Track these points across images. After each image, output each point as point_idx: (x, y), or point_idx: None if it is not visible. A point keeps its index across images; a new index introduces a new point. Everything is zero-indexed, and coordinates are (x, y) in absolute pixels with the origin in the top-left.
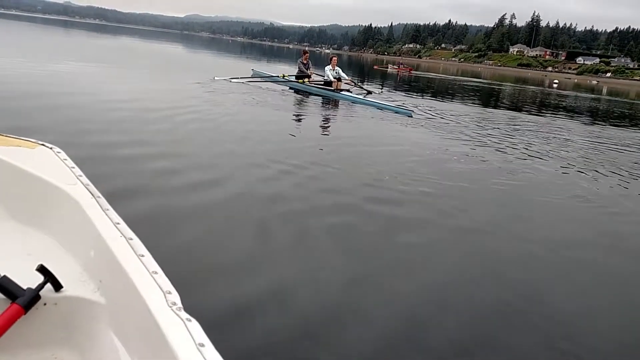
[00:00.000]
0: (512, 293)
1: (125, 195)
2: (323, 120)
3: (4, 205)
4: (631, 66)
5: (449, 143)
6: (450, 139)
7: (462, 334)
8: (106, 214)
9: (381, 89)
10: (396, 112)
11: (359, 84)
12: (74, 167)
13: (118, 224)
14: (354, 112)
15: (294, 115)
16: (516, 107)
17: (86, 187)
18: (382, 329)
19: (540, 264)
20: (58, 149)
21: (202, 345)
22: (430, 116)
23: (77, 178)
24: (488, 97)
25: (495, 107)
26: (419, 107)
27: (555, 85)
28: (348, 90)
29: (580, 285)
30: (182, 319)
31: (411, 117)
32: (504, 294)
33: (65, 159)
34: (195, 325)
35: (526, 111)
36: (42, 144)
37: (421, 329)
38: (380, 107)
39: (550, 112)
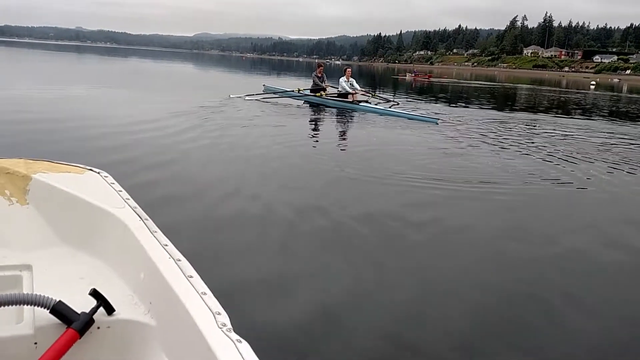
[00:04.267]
0: (531, 295)
1: (167, 216)
2: (347, 133)
3: (56, 230)
4: None
5: (487, 149)
6: (485, 145)
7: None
8: (154, 236)
9: (394, 97)
10: (422, 121)
11: (377, 94)
12: (121, 191)
13: (166, 245)
14: (377, 124)
15: (319, 129)
16: (562, 112)
17: (134, 210)
18: None
19: (570, 269)
20: (105, 174)
21: None
22: (457, 122)
23: (125, 201)
24: (524, 101)
25: (549, 112)
26: (441, 114)
27: (592, 87)
28: (366, 102)
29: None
30: (232, 340)
31: (437, 124)
32: (518, 295)
33: (113, 183)
34: (245, 347)
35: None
36: (90, 169)
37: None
38: (404, 117)
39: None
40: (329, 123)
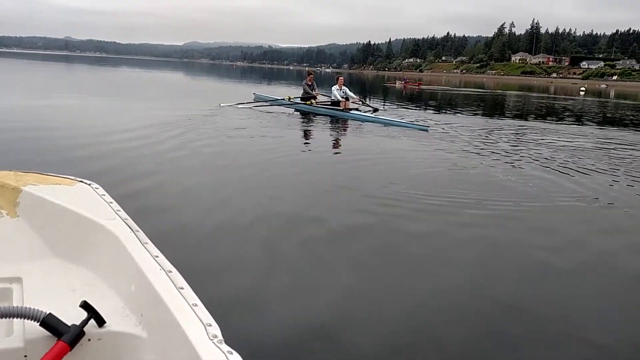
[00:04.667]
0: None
1: (158, 225)
2: (339, 142)
3: (46, 243)
4: (637, 68)
5: (477, 159)
6: (475, 155)
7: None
8: (145, 248)
9: (384, 105)
10: (412, 128)
11: (367, 102)
12: (112, 202)
13: (157, 257)
14: (367, 131)
15: (310, 138)
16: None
17: (125, 222)
18: None
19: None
20: (96, 185)
21: None
22: (447, 130)
23: (116, 213)
24: (514, 108)
25: (540, 119)
26: (431, 121)
27: (582, 93)
28: (357, 109)
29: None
30: (223, 352)
31: (427, 131)
32: (512, 300)
33: (104, 195)
34: (236, 358)
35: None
36: (81, 181)
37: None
38: (394, 124)
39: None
40: (320, 131)
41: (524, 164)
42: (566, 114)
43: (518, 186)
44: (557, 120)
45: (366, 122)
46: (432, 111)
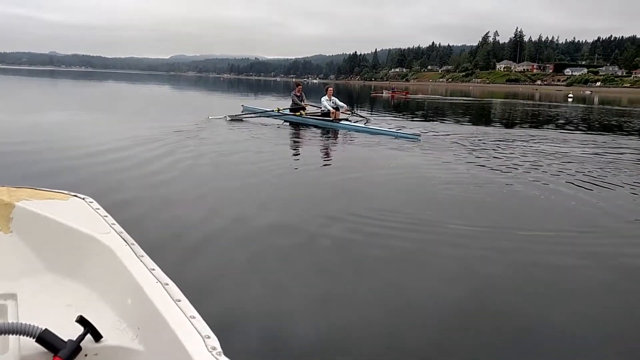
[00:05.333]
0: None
1: (154, 239)
2: (330, 155)
3: (41, 258)
4: (619, 74)
5: (473, 168)
6: (471, 164)
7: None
8: (141, 261)
9: (371, 115)
10: (403, 138)
11: (357, 112)
12: (106, 216)
13: (153, 270)
14: (359, 142)
15: (301, 150)
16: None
17: (120, 235)
18: None
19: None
20: (90, 199)
21: None
22: (439, 139)
23: (111, 226)
24: (501, 116)
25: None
26: (421, 130)
27: (570, 100)
28: (347, 119)
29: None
30: None
31: (419, 141)
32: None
33: (98, 209)
34: None
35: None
36: (75, 195)
37: None
38: (386, 134)
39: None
40: (311, 143)
41: (532, 176)
42: (561, 121)
43: (543, 203)
44: (556, 128)
45: (357, 132)
46: (421, 120)
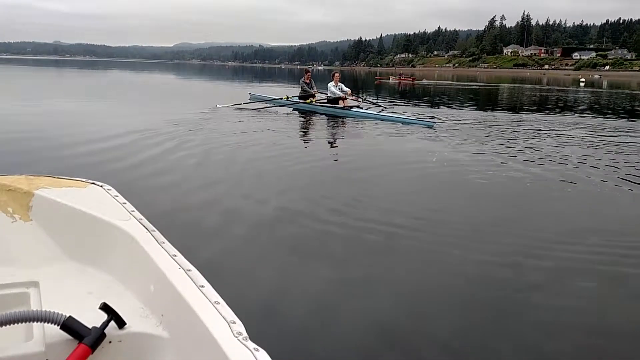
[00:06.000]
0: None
1: (173, 226)
2: (343, 140)
3: (62, 246)
4: (629, 57)
5: (494, 158)
6: (490, 154)
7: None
8: (162, 247)
9: (378, 101)
10: (416, 125)
11: (368, 99)
12: (125, 203)
13: (175, 256)
14: (372, 130)
15: (313, 140)
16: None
17: (140, 222)
18: None
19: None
20: (108, 187)
21: None
22: (452, 125)
23: (130, 214)
24: (509, 101)
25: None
26: (435, 117)
27: (582, 84)
28: (357, 107)
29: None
30: (249, 349)
31: (433, 128)
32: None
33: (117, 196)
34: (263, 355)
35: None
36: (93, 183)
37: None
38: (398, 121)
39: None
40: (323, 132)
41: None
42: (582, 107)
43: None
44: (578, 113)
45: (368, 120)
46: (430, 106)
